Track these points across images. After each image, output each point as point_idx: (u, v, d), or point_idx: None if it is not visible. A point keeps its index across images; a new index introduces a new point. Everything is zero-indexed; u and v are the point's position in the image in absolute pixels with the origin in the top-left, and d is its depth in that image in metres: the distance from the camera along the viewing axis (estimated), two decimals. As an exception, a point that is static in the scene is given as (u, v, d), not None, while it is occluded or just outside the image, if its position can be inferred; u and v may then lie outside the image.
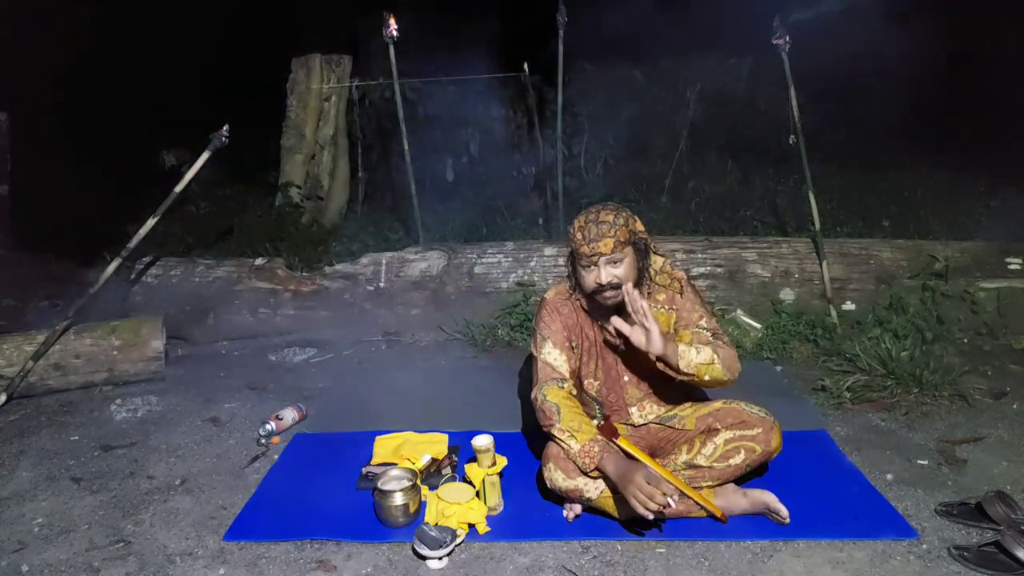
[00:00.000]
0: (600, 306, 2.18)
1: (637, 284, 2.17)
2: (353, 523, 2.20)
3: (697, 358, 2.07)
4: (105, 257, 3.65)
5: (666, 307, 2.24)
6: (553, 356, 2.23)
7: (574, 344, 2.27)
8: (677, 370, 2.06)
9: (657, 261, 2.25)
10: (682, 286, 2.25)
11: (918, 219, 5.05)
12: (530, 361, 3.08)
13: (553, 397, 2.13)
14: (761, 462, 2.19)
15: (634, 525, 2.09)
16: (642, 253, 2.16)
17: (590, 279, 2.10)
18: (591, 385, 2.31)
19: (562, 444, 2.08)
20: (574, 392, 2.21)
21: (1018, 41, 5.05)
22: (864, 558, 1.97)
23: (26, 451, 2.79)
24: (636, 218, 2.17)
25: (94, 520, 2.31)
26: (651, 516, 1.91)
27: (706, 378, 2.09)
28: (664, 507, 1.90)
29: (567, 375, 2.21)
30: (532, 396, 2.20)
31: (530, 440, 2.65)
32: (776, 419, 2.20)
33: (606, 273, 2.07)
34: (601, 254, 2.06)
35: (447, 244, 4.29)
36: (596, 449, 2.02)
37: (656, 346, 2.00)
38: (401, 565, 2.02)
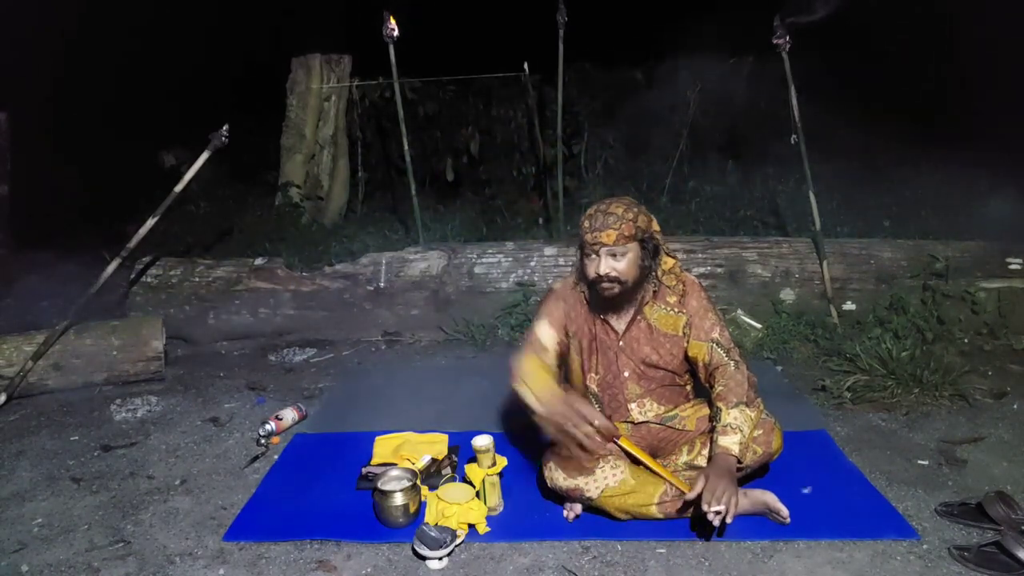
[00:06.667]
0: (600, 298, 2.18)
1: (640, 283, 2.17)
2: (353, 523, 2.20)
3: (745, 434, 2.07)
4: (105, 257, 3.65)
5: (675, 310, 2.24)
6: (544, 332, 2.25)
7: (571, 331, 2.28)
8: (743, 459, 2.08)
9: (667, 262, 2.24)
10: (685, 287, 2.25)
11: (918, 219, 5.05)
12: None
13: (528, 363, 2.16)
14: (762, 463, 2.20)
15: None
16: (649, 252, 2.16)
17: (591, 268, 2.12)
18: (592, 379, 2.31)
19: (520, 394, 2.10)
20: (554, 368, 2.22)
21: (1019, 40, 5.04)
22: (864, 558, 1.97)
23: (26, 451, 2.79)
24: (652, 217, 2.17)
25: (94, 520, 2.31)
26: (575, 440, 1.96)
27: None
28: (591, 437, 1.97)
29: (551, 351, 2.24)
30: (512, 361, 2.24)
31: (530, 440, 2.64)
32: (777, 421, 2.21)
33: (605, 264, 2.08)
34: (602, 244, 2.06)
35: (447, 244, 4.29)
36: (550, 394, 2.04)
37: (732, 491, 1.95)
38: (401, 565, 2.02)
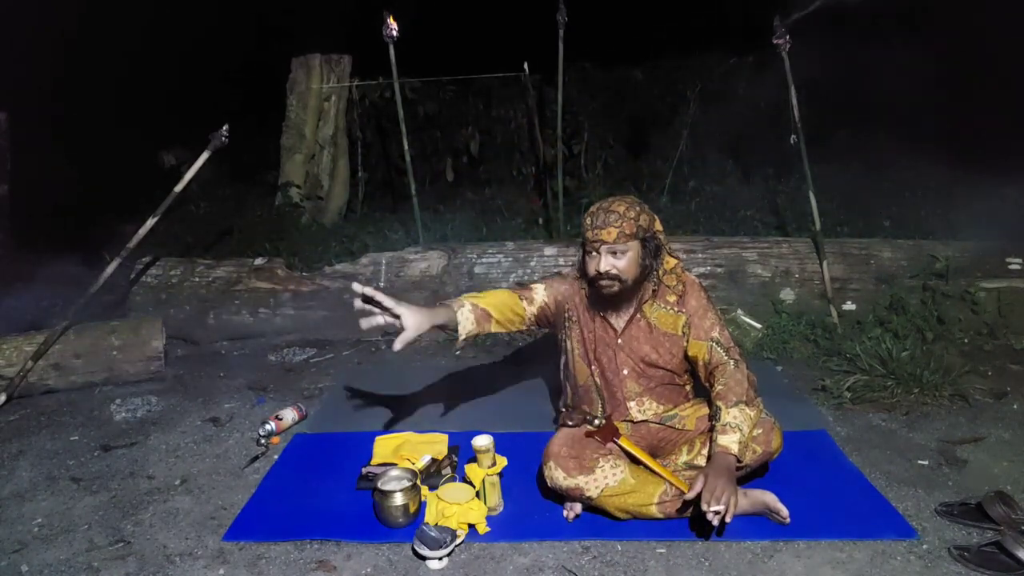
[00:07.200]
0: (599, 295, 2.18)
1: (640, 282, 2.18)
2: (353, 523, 2.20)
3: (745, 433, 2.06)
4: (105, 257, 3.65)
5: (675, 308, 2.25)
6: (538, 289, 2.34)
7: (567, 312, 2.32)
8: (742, 458, 2.08)
9: (669, 262, 2.25)
10: (685, 287, 2.25)
11: (918, 219, 5.04)
12: (531, 353, 3.11)
13: (498, 291, 2.32)
14: (762, 462, 2.20)
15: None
16: (650, 252, 2.16)
17: (591, 266, 2.14)
18: (595, 372, 2.31)
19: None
20: (523, 309, 2.30)
21: (1020, 40, 5.04)
22: (864, 558, 1.97)
23: (26, 451, 2.79)
24: (655, 217, 2.18)
25: (94, 520, 2.31)
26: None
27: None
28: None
29: (535, 305, 2.31)
30: None
31: (530, 440, 2.64)
32: (777, 420, 2.21)
33: (606, 262, 2.10)
34: (603, 242, 2.08)
35: (447, 244, 4.29)
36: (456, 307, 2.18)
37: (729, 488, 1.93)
38: (401, 565, 2.02)
